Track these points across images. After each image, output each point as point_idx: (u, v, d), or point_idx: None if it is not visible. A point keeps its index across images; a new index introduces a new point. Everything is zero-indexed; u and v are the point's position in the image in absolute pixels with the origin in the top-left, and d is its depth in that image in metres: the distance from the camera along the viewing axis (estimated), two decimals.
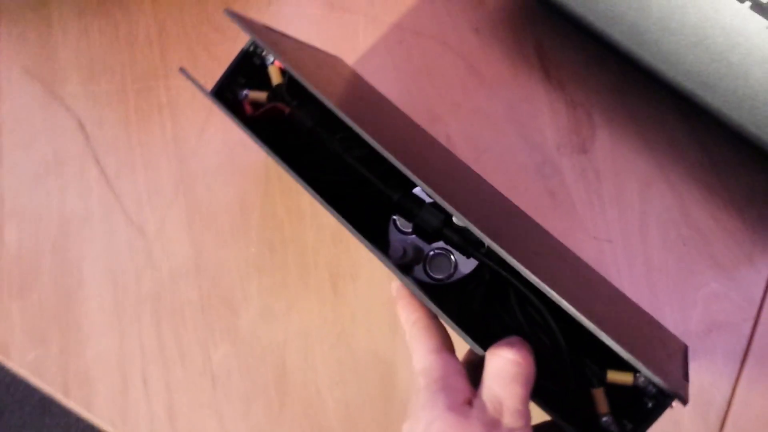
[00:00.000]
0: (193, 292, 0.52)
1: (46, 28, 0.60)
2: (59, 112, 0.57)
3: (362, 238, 0.38)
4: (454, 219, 0.42)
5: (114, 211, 0.54)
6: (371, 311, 0.51)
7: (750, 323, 0.50)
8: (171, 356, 0.50)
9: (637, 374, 0.37)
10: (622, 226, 0.53)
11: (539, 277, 0.33)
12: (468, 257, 0.43)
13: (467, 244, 0.42)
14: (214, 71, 0.59)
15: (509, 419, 0.33)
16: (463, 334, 0.36)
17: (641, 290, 0.51)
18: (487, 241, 0.35)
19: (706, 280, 0.51)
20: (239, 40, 0.59)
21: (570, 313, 0.33)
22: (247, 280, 0.52)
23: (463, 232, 0.42)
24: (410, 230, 0.45)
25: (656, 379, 0.33)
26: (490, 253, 0.41)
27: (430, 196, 0.37)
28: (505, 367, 0.34)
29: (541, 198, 0.54)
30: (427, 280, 0.44)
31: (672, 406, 0.36)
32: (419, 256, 0.44)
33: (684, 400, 0.34)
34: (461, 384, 0.35)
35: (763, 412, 0.49)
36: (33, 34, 0.60)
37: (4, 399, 1.21)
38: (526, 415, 0.34)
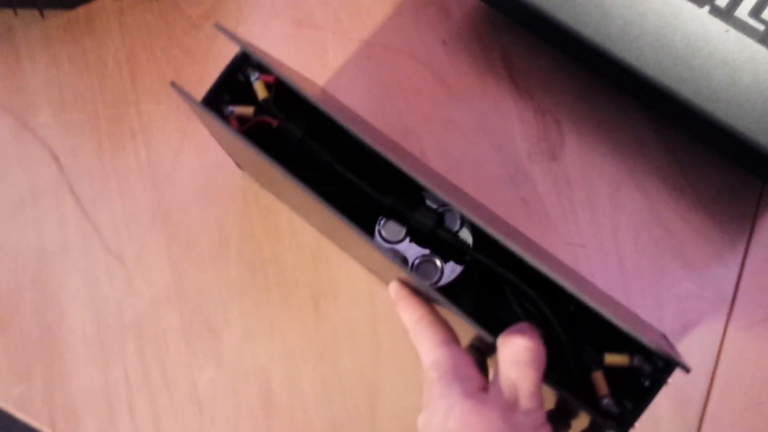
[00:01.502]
0: (175, 318, 0.52)
1: (14, 59, 0.60)
2: (32, 143, 0.57)
3: (353, 225, 0.39)
4: (446, 219, 0.43)
5: (92, 241, 0.54)
6: (353, 328, 0.52)
7: (723, 320, 0.52)
8: (156, 384, 0.51)
9: (633, 356, 0.38)
10: (595, 231, 0.54)
11: (540, 264, 0.35)
12: (460, 258, 0.44)
13: (460, 243, 0.43)
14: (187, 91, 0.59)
15: (525, 402, 0.34)
16: (473, 322, 0.37)
17: (616, 292, 0.52)
18: (489, 231, 0.37)
19: (678, 280, 0.52)
20: (209, 62, 0.59)
21: (571, 293, 0.35)
22: (229, 303, 0.52)
23: (456, 233, 0.43)
24: (396, 240, 0.46)
25: (658, 351, 0.35)
26: (482, 251, 0.42)
27: (428, 189, 0.38)
28: (519, 352, 0.35)
29: (514, 206, 0.55)
30: None
31: (668, 383, 0.38)
32: (404, 265, 0.45)
33: (686, 368, 0.36)
34: (473, 372, 0.36)
35: (739, 407, 0.50)
36: (1, 65, 0.60)
37: None
38: (540, 397, 0.35)
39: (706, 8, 0.48)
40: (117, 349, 0.51)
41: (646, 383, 0.38)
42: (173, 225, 0.54)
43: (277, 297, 0.53)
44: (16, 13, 0.60)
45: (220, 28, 0.40)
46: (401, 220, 0.44)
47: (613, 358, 0.39)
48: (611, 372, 0.39)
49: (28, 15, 0.61)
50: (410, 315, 0.40)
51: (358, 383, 0.50)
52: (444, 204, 0.44)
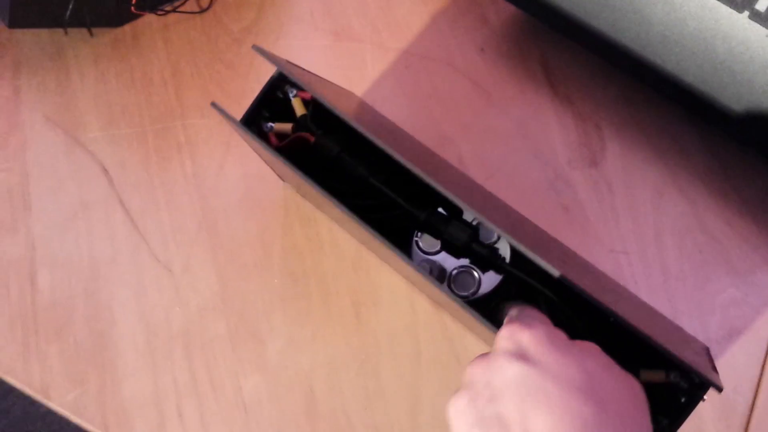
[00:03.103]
0: (221, 326, 0.53)
1: (64, 76, 0.62)
2: (83, 157, 0.59)
3: (390, 245, 0.39)
4: (482, 231, 0.43)
5: (140, 251, 0.56)
6: (394, 336, 0.52)
7: None
8: (204, 389, 0.52)
9: (670, 372, 0.38)
10: (638, 237, 0.53)
11: (576, 282, 0.35)
12: (496, 271, 0.44)
13: (495, 257, 0.43)
14: (229, 107, 0.60)
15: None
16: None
17: (660, 300, 0.52)
18: (523, 249, 0.37)
19: (723, 287, 0.52)
20: (251, 76, 0.61)
21: (606, 312, 0.35)
22: (272, 311, 0.54)
23: (491, 246, 0.43)
24: (433, 251, 0.46)
25: (694, 369, 0.35)
26: (518, 264, 0.42)
27: (459, 206, 0.39)
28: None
29: (555, 213, 0.55)
30: None
31: (704, 399, 0.37)
32: (443, 275, 0.45)
33: (719, 388, 0.36)
34: None
35: None
36: (52, 82, 0.62)
37: (40, 429, 1.24)
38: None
39: (746, 13, 0.48)
40: (166, 355, 0.53)
41: (683, 399, 0.38)
42: (218, 235, 0.56)
43: (319, 305, 0.54)
44: (66, 33, 0.63)
45: (259, 50, 0.41)
46: (436, 234, 0.45)
47: (649, 375, 0.38)
48: (647, 387, 0.38)
49: (77, 34, 0.63)
50: None
51: (399, 390, 0.51)
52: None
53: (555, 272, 0.36)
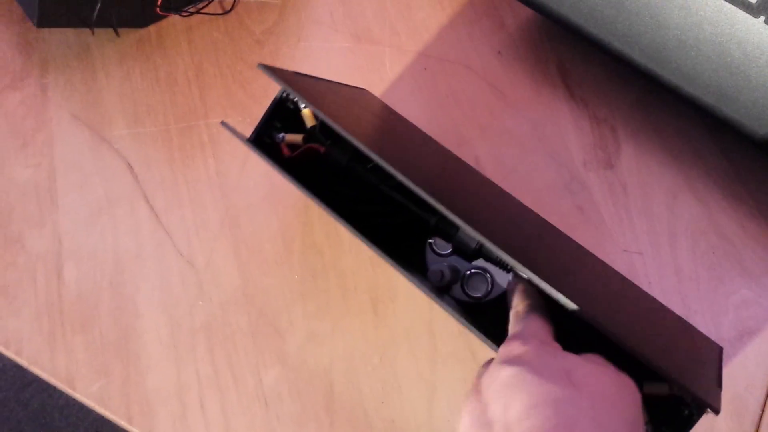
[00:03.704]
0: (242, 320, 0.55)
1: (90, 75, 0.64)
2: (108, 154, 0.61)
3: (398, 266, 0.41)
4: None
5: (165, 247, 0.57)
6: (411, 331, 0.53)
7: None
8: (225, 382, 0.53)
9: (672, 384, 0.38)
10: (652, 238, 0.54)
11: (574, 301, 0.36)
12: (508, 272, 0.45)
13: (503, 263, 0.44)
14: (250, 108, 0.62)
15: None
16: (496, 347, 0.38)
17: (673, 300, 0.53)
18: (520, 268, 0.37)
19: (736, 288, 0.52)
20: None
21: (605, 332, 0.35)
22: (293, 306, 0.55)
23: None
24: (447, 252, 0.47)
25: (692, 392, 0.35)
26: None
27: (459, 225, 0.39)
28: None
29: (570, 214, 0.56)
30: (465, 299, 0.47)
31: (708, 412, 0.37)
32: (457, 277, 0.46)
33: (716, 410, 0.36)
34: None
35: None
36: (79, 81, 0.64)
37: (58, 421, 1.26)
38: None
39: (762, 18, 0.48)
40: (189, 348, 0.54)
41: (686, 412, 0.38)
42: (240, 231, 0.57)
43: (338, 300, 0.55)
44: (93, 32, 0.64)
45: (263, 68, 0.41)
46: (447, 238, 0.46)
47: (652, 388, 0.38)
48: (651, 399, 0.38)
49: (103, 34, 0.65)
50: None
51: (415, 384, 0.52)
52: None
53: (570, 305, 0.36)
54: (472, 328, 0.40)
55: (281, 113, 0.46)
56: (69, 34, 0.66)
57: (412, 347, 0.53)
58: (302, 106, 0.46)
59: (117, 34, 0.65)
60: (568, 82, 0.59)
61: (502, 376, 0.34)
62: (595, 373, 0.34)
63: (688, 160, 0.56)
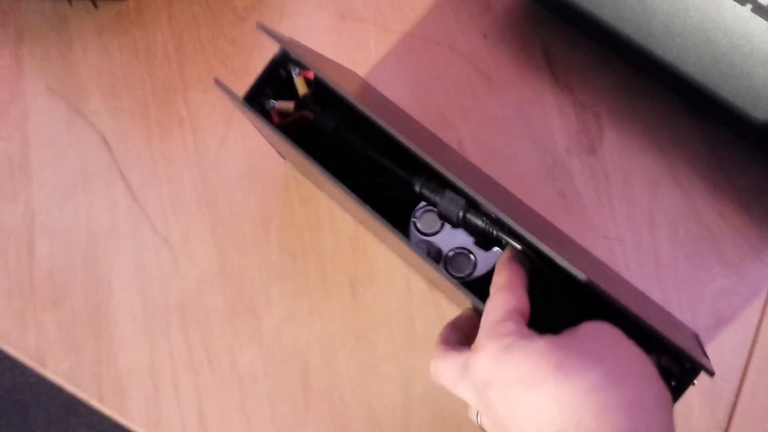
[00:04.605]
0: (218, 300, 0.54)
1: (67, 48, 0.62)
2: (84, 129, 0.59)
3: (393, 229, 0.40)
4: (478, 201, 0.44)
5: (140, 224, 0.56)
6: (389, 314, 0.53)
7: (757, 316, 0.52)
8: (199, 362, 0.52)
9: (661, 356, 0.39)
10: (632, 225, 0.54)
11: (569, 261, 0.36)
12: (487, 249, 0.44)
13: (489, 231, 0.43)
14: (232, 83, 0.60)
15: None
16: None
17: (651, 287, 0.53)
18: (512, 224, 0.37)
19: (713, 276, 0.53)
20: (254, 53, 0.61)
21: (600, 294, 0.36)
22: (270, 286, 0.54)
23: (488, 214, 0.43)
24: (431, 232, 0.47)
25: (687, 354, 0.36)
26: (518, 237, 0.42)
27: (451, 181, 0.39)
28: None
29: (551, 199, 0.55)
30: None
31: (694, 384, 0.38)
32: (439, 257, 0.46)
33: (711, 372, 0.37)
34: None
35: None
36: (55, 53, 0.62)
37: (29, 399, 1.24)
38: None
39: (749, 6, 0.48)
40: (162, 327, 0.53)
41: (673, 383, 0.39)
42: (218, 210, 0.56)
43: (316, 282, 0.54)
44: (71, 4, 0.63)
45: (262, 28, 0.41)
46: (431, 203, 0.45)
47: None
48: None
49: (81, 6, 0.63)
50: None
51: (393, 368, 0.52)
52: None
53: (545, 249, 0.36)
54: (468, 292, 0.39)
55: (272, 81, 0.45)
56: (46, 4, 0.64)
57: (390, 330, 0.53)
58: (295, 74, 0.45)
59: (95, 5, 0.63)
60: (554, 68, 0.59)
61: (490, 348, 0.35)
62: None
63: (671, 147, 0.56)
